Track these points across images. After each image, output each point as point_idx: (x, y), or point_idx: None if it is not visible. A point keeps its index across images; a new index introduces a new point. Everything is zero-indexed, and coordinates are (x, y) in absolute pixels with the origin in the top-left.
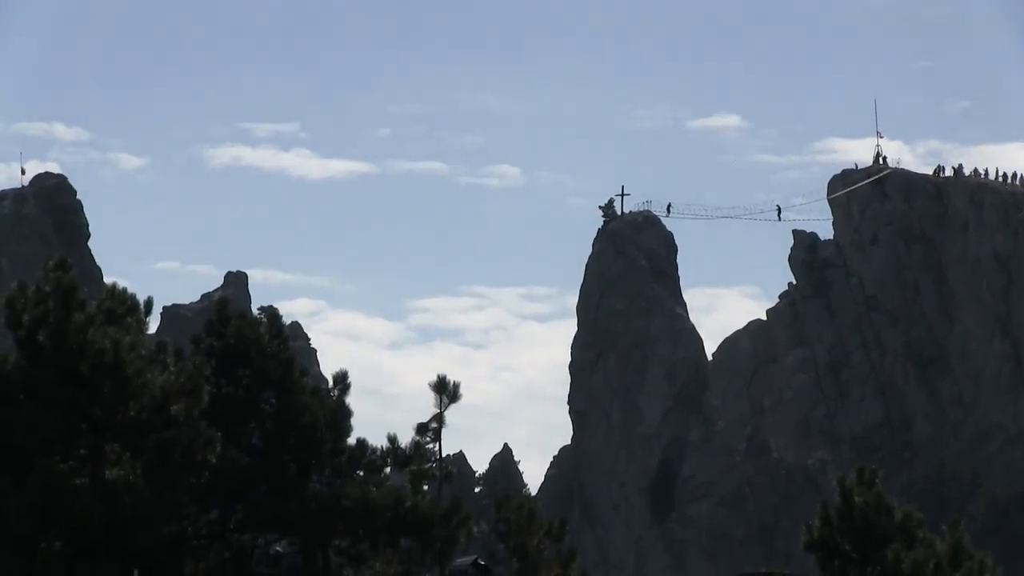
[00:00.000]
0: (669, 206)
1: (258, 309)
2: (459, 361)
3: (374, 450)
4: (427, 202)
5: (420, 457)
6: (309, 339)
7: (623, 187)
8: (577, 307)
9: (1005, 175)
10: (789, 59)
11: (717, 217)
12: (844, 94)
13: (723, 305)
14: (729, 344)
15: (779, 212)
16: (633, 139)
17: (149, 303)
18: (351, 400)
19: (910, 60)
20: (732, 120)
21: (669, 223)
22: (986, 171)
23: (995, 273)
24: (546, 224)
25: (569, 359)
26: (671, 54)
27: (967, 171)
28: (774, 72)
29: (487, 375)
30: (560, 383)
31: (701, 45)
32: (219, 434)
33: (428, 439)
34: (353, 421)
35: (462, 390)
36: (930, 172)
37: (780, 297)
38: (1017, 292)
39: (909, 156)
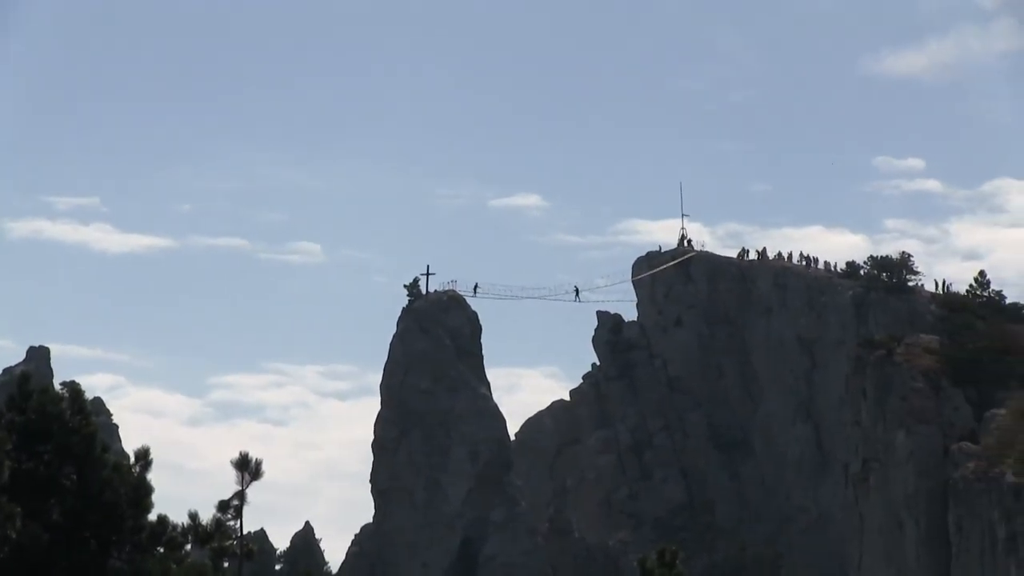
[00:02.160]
0: (476, 287)
1: (60, 384)
2: (260, 438)
3: (175, 527)
4: (228, 278)
5: (221, 534)
6: (111, 414)
7: (428, 266)
8: (381, 385)
9: (808, 258)
10: (591, 139)
11: (521, 297)
12: (647, 175)
13: (526, 385)
14: (532, 424)
15: (577, 293)
16: (438, 217)
17: None
18: (152, 476)
19: (715, 142)
20: (533, 199)
21: (474, 302)
22: (790, 254)
23: (798, 356)
24: (349, 302)
25: (372, 437)
26: (473, 132)
27: (771, 254)
28: (576, 152)
29: (288, 452)
30: (362, 461)
31: (503, 123)
32: (19, 509)
33: (229, 516)
34: (154, 497)
35: (264, 467)
36: (732, 254)
37: (583, 378)
38: (820, 375)
39: (710, 238)
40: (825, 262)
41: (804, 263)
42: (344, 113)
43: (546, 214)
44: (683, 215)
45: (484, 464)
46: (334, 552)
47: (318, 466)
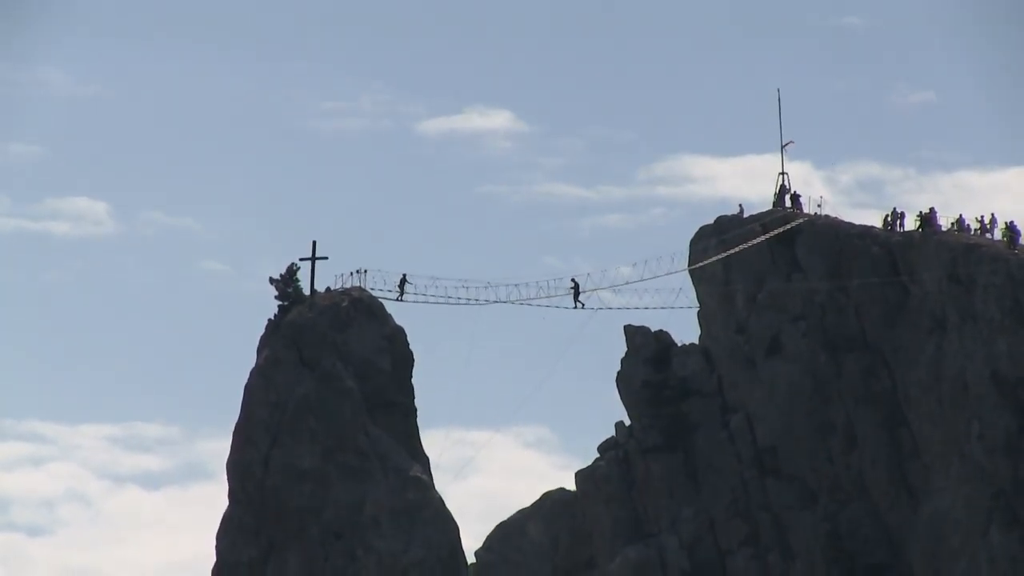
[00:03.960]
0: (403, 281)
1: None
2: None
3: None
4: None
5: None
6: None
7: (314, 244)
8: (227, 463)
9: (1012, 229)
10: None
11: (480, 302)
12: (711, 74)
13: (495, 462)
14: (507, 533)
15: (577, 291)
16: (324, 153)
17: None
18: None
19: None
20: (499, 119)
21: (398, 310)
22: (981, 221)
23: (997, 411)
24: (160, 307)
25: (211, 559)
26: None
27: (944, 220)
28: (575, 35)
29: None
30: None
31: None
32: None
33: None
34: None
35: None
36: (874, 221)
37: (600, 449)
38: None
39: (831, 190)
40: None
41: (1007, 239)
42: None
43: (523, 145)
44: (782, 146)
45: None
46: None
47: None
